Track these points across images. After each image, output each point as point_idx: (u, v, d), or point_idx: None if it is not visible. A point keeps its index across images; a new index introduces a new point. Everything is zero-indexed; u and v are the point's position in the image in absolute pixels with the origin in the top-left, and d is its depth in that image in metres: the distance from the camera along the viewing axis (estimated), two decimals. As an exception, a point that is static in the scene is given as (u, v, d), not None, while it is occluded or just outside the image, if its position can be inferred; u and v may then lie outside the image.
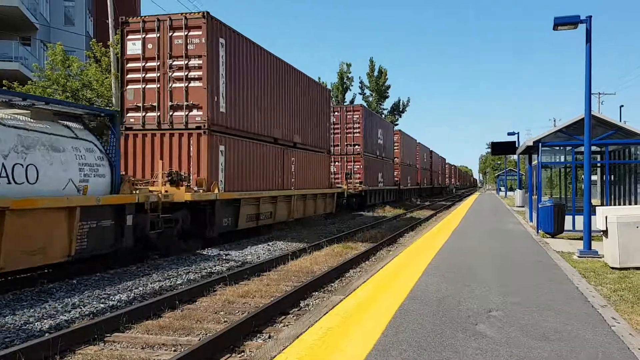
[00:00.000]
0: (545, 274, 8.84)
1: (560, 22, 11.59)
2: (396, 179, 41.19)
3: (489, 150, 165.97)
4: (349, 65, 60.35)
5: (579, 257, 11.33)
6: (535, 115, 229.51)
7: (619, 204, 18.62)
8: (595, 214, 11.29)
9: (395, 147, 41.43)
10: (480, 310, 6.24)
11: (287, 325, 6.93)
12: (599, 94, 61.64)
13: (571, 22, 11.59)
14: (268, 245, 14.85)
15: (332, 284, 9.91)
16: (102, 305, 7.88)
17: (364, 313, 6.14)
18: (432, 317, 5.92)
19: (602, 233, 10.36)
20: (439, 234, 15.43)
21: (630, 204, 17.56)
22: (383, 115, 59.13)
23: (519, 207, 33.90)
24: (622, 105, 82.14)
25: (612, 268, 9.79)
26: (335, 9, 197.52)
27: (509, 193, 62.45)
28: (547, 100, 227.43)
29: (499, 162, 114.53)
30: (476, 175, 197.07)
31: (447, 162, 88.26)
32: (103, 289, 8.90)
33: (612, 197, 19.18)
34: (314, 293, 9.00)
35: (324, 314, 6.07)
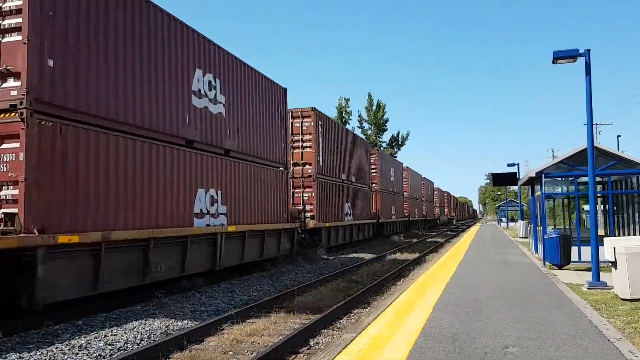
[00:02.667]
0: (557, 308, 8.74)
1: (560, 56, 11.78)
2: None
3: (488, 180, 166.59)
4: (347, 100, 61.14)
5: (588, 288, 11.23)
6: (533, 146, 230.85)
7: (622, 234, 18.58)
8: (602, 245, 11.28)
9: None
10: (496, 347, 6.14)
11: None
12: (596, 124, 62.03)
13: (570, 55, 11.77)
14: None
15: (341, 321, 9.77)
16: (109, 347, 7.75)
17: (378, 351, 6.04)
18: (448, 356, 5.83)
19: (610, 264, 10.30)
20: (445, 266, 15.32)
21: (633, 233, 17.53)
22: (382, 148, 59.50)
23: (522, 237, 33.76)
24: (620, 135, 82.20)
25: (623, 299, 9.69)
26: (334, 44, 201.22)
27: (510, 224, 62.30)
28: (544, 131, 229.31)
29: (499, 193, 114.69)
30: (475, 206, 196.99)
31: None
32: (109, 329, 8.78)
33: (615, 227, 19.15)
34: (323, 331, 8.87)
35: (338, 353, 5.97)
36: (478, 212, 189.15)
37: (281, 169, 18.65)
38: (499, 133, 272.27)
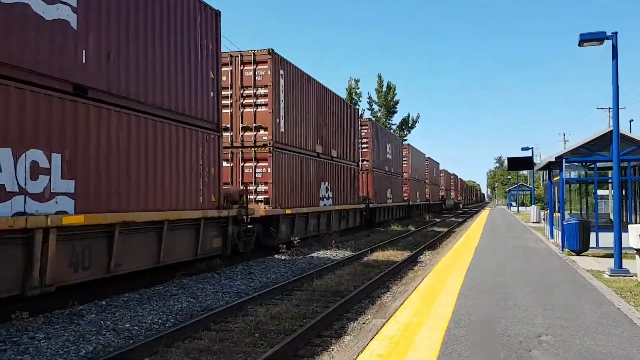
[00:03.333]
0: (583, 295, 8.67)
1: (586, 39, 11.53)
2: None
3: (497, 164, 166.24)
4: (357, 81, 60.73)
5: (610, 275, 11.14)
6: (541, 130, 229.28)
7: (637, 221, 18.40)
8: (625, 231, 11.15)
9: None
10: (529, 335, 6.09)
11: (333, 350, 6.79)
12: (608, 108, 61.32)
13: (597, 38, 11.53)
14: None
15: (363, 305, 9.76)
16: (135, 328, 7.78)
17: (411, 339, 6.00)
18: (483, 344, 5.77)
19: (636, 252, 10.19)
20: (461, 252, 15.26)
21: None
22: (392, 130, 59.12)
23: (535, 222, 33.62)
24: (632, 120, 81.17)
25: (649, 287, 9.60)
26: (343, 25, 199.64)
27: (521, 208, 62.01)
28: (553, 115, 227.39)
29: (508, 177, 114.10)
30: (484, 190, 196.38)
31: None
32: (134, 310, 8.81)
33: (634, 213, 18.96)
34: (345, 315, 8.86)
35: (370, 339, 5.94)
36: (486, 196, 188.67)
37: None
38: (508, 117, 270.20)
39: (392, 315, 7.12)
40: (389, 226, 31.37)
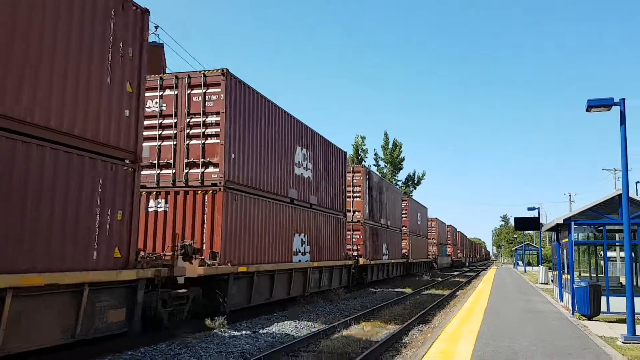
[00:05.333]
0: (599, 364, 8.42)
1: (594, 105, 11.72)
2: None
3: (503, 222, 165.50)
4: (363, 138, 61.54)
5: (623, 342, 10.86)
6: (546, 189, 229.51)
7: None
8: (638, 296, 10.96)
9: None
10: (547, 408, 5.88)
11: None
12: (614, 169, 61.50)
13: (605, 104, 11.71)
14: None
15: None
16: None
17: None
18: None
19: (650, 319, 9.97)
20: (471, 314, 14.96)
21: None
22: (398, 187, 59.36)
23: (542, 283, 33.09)
24: (639, 182, 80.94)
25: (665, 357, 9.32)
26: (352, 84, 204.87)
27: (527, 268, 61.17)
28: (557, 176, 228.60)
29: (514, 236, 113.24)
30: (489, 247, 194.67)
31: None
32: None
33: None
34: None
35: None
36: (492, 254, 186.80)
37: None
38: (513, 177, 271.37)
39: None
40: (422, 276, 34.88)
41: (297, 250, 18.11)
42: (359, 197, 27.25)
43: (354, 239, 26.44)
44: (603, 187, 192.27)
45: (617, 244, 21.16)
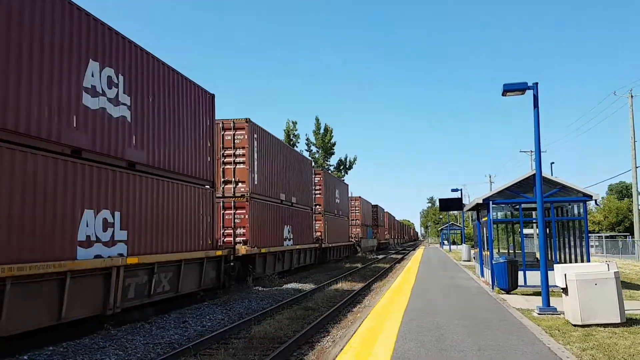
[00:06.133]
0: (515, 334, 8.92)
1: (509, 89, 12.27)
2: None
3: (430, 204, 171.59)
4: (295, 123, 61.47)
5: (538, 314, 11.54)
6: (470, 171, 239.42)
7: (561, 258, 19.37)
8: (552, 270, 11.67)
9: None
10: (466, 378, 6.16)
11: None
12: (531, 151, 64.93)
13: (519, 88, 12.29)
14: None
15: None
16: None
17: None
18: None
19: (562, 290, 10.65)
20: (400, 291, 15.42)
21: (569, 258, 18.30)
22: (329, 171, 59.92)
23: (465, 261, 34.64)
24: (553, 162, 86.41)
25: (574, 325, 10.00)
26: (282, 68, 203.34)
27: (452, 247, 63.83)
28: (480, 157, 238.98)
29: (440, 217, 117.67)
30: (417, 229, 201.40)
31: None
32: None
33: (558, 251, 19.94)
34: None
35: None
36: (420, 234, 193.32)
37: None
38: (439, 159, 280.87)
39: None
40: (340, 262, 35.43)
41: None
42: (243, 162, 20.19)
43: (236, 220, 19.84)
44: (521, 169, 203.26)
45: (533, 221, 22.46)
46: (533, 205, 18.87)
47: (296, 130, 61.17)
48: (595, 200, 17.06)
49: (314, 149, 64.10)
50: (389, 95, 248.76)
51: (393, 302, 13.35)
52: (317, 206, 32.33)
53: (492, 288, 16.11)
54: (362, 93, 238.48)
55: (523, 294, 15.26)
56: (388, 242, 72.95)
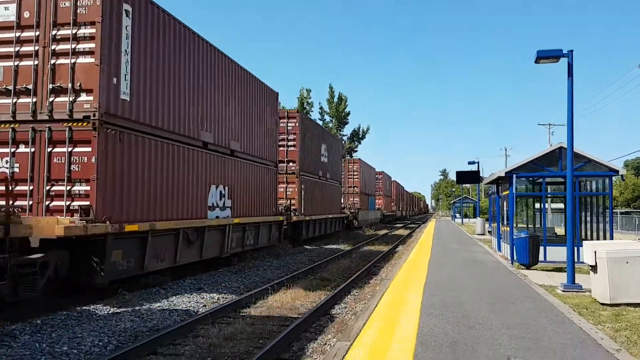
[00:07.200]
0: (541, 312, 8.60)
1: (543, 56, 11.66)
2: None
3: (442, 177, 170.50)
4: (309, 91, 60.82)
5: (563, 291, 11.20)
6: (484, 143, 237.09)
7: (583, 234, 18.94)
8: (580, 246, 11.29)
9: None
10: (499, 357, 5.87)
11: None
12: (549, 124, 63.71)
13: (553, 55, 11.68)
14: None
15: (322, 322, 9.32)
16: (74, 352, 7.06)
17: (378, 363, 5.62)
18: (453, 368, 5.48)
19: (590, 268, 10.28)
20: (416, 265, 15.15)
21: (589, 235, 17.84)
22: (343, 141, 59.30)
23: (479, 234, 34.29)
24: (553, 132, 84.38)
25: (602, 304, 9.65)
26: (296, 33, 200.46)
27: (464, 220, 63.46)
28: (495, 130, 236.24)
29: (453, 189, 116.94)
30: (428, 201, 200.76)
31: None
32: (72, 329, 8.06)
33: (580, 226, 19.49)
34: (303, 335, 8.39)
35: (335, 365, 5.48)
36: (430, 207, 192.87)
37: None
38: (452, 132, 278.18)
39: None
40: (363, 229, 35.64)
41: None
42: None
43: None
44: (537, 142, 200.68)
45: (559, 195, 21.93)
46: (555, 180, 18.42)
47: (310, 98, 60.51)
48: (622, 176, 16.53)
49: (327, 117, 63.43)
50: (404, 68, 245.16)
51: (413, 271, 13.08)
52: (291, 163, 24.45)
53: (512, 263, 15.79)
54: (377, 58, 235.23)
55: (543, 269, 14.93)
56: (395, 215, 65.72)
